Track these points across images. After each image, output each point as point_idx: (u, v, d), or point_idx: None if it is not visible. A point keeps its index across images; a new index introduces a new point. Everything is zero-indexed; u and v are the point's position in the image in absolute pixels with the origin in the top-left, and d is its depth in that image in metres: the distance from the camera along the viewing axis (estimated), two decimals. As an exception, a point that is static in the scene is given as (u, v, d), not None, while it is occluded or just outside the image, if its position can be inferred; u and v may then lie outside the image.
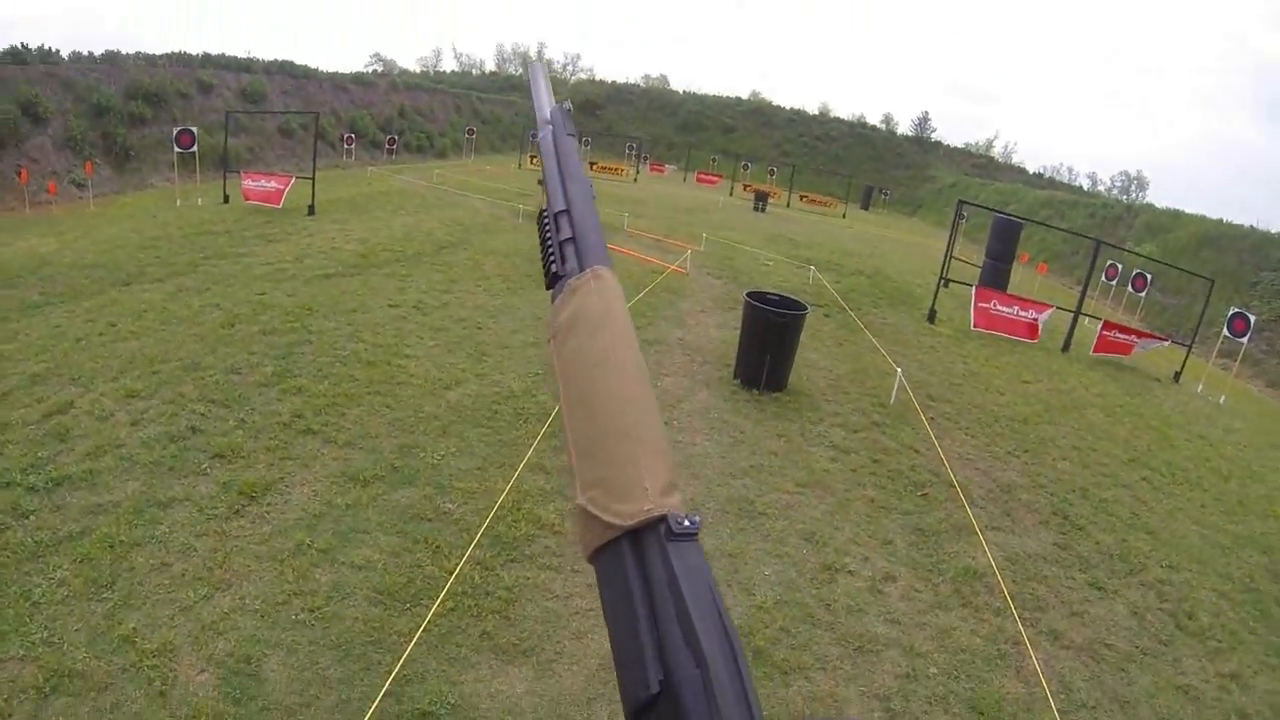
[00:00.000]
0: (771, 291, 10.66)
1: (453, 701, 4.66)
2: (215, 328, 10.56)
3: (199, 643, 4.92)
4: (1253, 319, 17.66)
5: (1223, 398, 16.35)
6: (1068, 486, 9.36)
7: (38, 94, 27.78)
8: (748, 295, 10.12)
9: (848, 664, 5.59)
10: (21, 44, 31.54)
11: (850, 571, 6.65)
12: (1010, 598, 6.72)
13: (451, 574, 5.65)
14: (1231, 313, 17.97)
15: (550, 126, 0.96)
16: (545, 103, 1.04)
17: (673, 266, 16.29)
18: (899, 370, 10.70)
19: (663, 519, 0.59)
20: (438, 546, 5.98)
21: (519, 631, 5.29)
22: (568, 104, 1.03)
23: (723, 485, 7.63)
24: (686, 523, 0.59)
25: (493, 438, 7.83)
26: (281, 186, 21.35)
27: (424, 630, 5.08)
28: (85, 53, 34.77)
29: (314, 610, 5.22)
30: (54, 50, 32.91)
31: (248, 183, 22.16)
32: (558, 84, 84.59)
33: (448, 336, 10.62)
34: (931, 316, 16.64)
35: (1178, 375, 17.18)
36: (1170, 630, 7.03)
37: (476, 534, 6.13)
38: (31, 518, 6.24)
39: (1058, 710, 5.56)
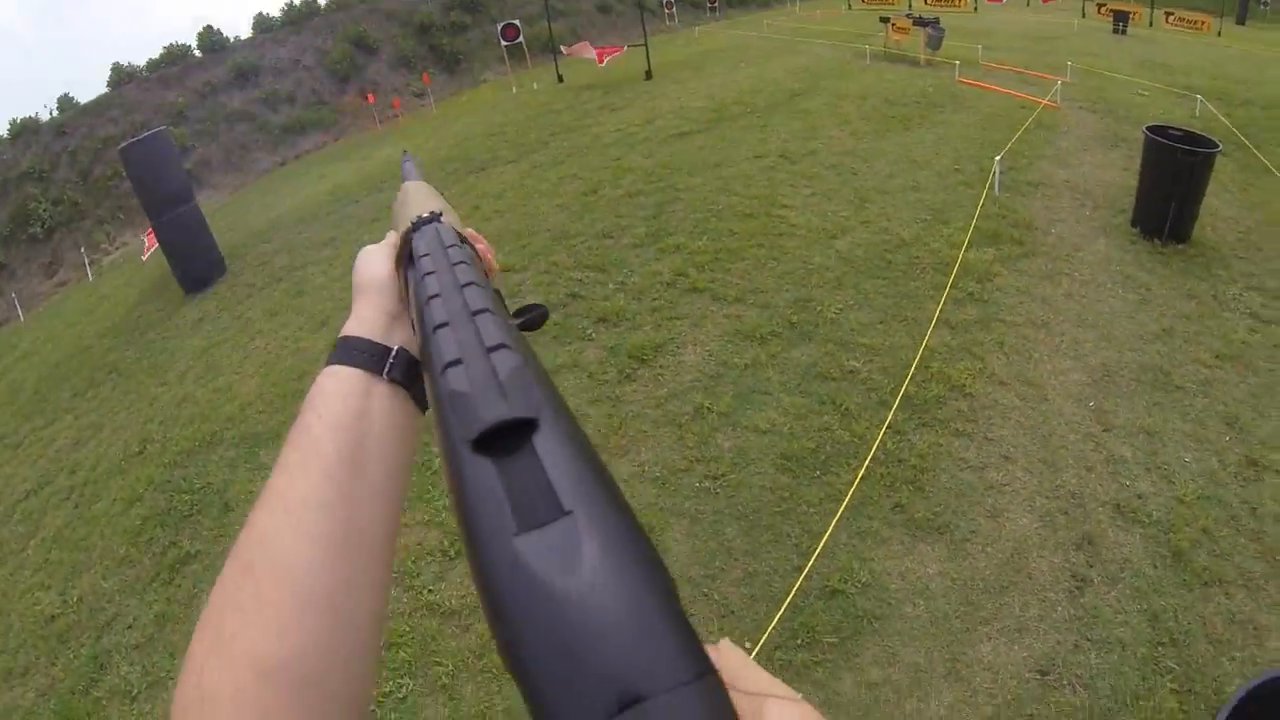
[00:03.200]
0: (1174, 126, 9.25)
1: (863, 580, 4.44)
2: (577, 196, 10.94)
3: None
4: None
5: None
6: None
7: (363, 29, 32.53)
8: (1148, 130, 8.88)
9: (1273, 586, 4.64)
10: None
11: (1279, 471, 5.55)
12: None
13: (862, 439, 5.35)
14: None
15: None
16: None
17: (1044, 101, 14.58)
18: (1328, 224, 8.83)
19: None
20: (846, 408, 5.66)
21: (932, 505, 4.93)
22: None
23: (1135, 350, 6.76)
24: None
25: (890, 289, 7.34)
26: (615, 53, 22.12)
27: (840, 504, 4.85)
28: None
29: (717, 478, 5.13)
30: None
31: (579, 47, 23.33)
32: None
33: (823, 184, 10.12)
34: (1353, 152, 13.25)
35: None
36: None
37: (885, 394, 5.77)
38: None
39: None
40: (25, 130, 27.40)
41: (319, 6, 34.43)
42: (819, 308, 6.89)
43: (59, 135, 27.18)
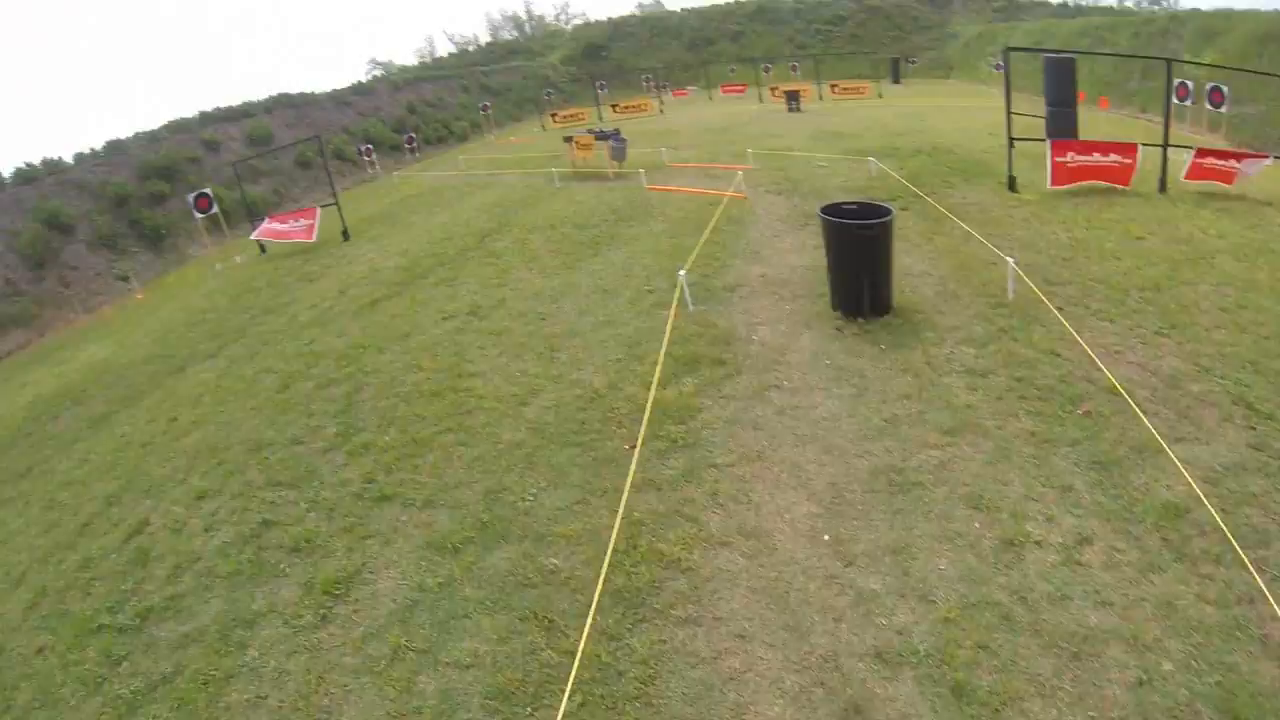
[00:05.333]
0: (846, 201, 9.18)
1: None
2: (271, 395, 9.94)
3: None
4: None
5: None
6: (1234, 363, 7.74)
7: (57, 205, 28.43)
8: (822, 211, 8.68)
9: (1067, 679, 4.30)
10: (26, 163, 31.72)
11: (1036, 542, 5.31)
12: (1230, 535, 5.27)
13: (572, 654, 4.63)
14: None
15: None
16: None
17: (729, 193, 14.89)
18: (1010, 260, 9.17)
19: None
20: (550, 620, 5.02)
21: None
22: None
23: (862, 455, 6.30)
24: None
25: (585, 456, 6.78)
26: (310, 220, 20.76)
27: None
28: (88, 150, 34.33)
29: (425, 730, 4.31)
30: (58, 158, 32.90)
31: (274, 225, 21.71)
32: (554, 36, 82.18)
33: (511, 339, 9.67)
34: (1011, 184, 14.66)
35: (1294, 193, 14.32)
36: None
37: (593, 593, 5.09)
38: (125, 663, 5.76)
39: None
40: None
41: (2, 179, 29.92)
42: (512, 498, 6.31)
43: None
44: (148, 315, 19.81)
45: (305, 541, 6.42)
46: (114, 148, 34.49)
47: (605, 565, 5.26)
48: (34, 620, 6.91)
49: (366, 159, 38.96)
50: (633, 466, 6.34)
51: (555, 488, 6.40)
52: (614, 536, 5.53)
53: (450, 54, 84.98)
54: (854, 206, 8.72)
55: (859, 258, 8.48)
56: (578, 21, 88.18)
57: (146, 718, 5.16)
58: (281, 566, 6.24)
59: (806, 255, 10.89)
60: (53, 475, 10.33)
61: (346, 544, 6.25)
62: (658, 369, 7.94)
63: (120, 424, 11.28)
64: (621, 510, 5.82)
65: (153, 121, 52.32)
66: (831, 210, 8.64)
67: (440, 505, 6.43)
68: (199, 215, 24.31)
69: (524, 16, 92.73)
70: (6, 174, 30.64)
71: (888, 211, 8.42)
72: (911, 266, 10.16)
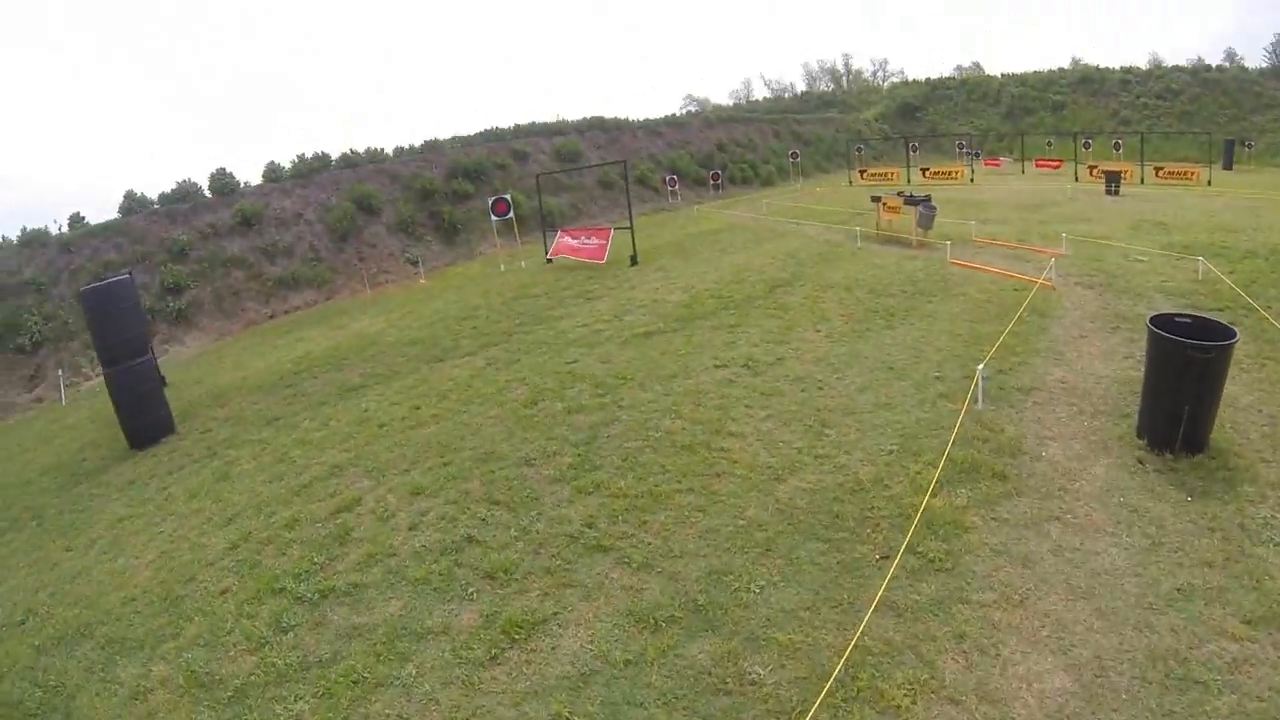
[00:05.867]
0: (1178, 312, 8.10)
1: None
2: (517, 407, 10.16)
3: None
4: None
5: None
6: None
7: (370, 189, 32.94)
8: (1152, 322, 7.67)
9: None
10: (351, 150, 36.92)
11: None
12: None
13: None
14: None
15: None
16: None
17: (1040, 280, 13.85)
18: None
19: None
20: (731, 740, 4.43)
21: None
22: None
23: (1141, 628, 5.21)
24: None
25: (829, 557, 6.14)
26: (603, 241, 21.65)
27: None
28: (407, 145, 39.19)
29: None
30: (380, 149, 37.82)
31: (567, 239, 22.86)
32: (870, 92, 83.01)
33: (781, 403, 9.21)
34: (1371, 310, 12.06)
35: None
36: None
37: None
38: (290, 634, 5.97)
39: None
40: (34, 241, 27.44)
41: (329, 161, 35.01)
42: (736, 584, 5.76)
43: (64, 251, 27.10)
44: (425, 301, 21.44)
45: (503, 571, 6.29)
46: (430, 146, 39.07)
47: (819, 701, 4.58)
48: (229, 561, 7.42)
49: (669, 188, 40.57)
50: (883, 587, 5.61)
51: (786, 585, 5.78)
52: (840, 667, 4.84)
53: (765, 98, 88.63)
54: (1188, 320, 7.67)
55: (1184, 383, 7.33)
56: (894, 79, 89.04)
57: (288, 696, 5.28)
58: (470, 589, 6.15)
59: (1114, 364, 9.69)
60: (294, 430, 11.23)
61: (543, 586, 6.04)
62: (936, 473, 7.15)
63: (368, 398, 12.06)
64: (856, 637, 5.12)
65: (469, 128, 57.98)
66: (1161, 322, 7.61)
67: (656, 572, 6.03)
68: (495, 218, 26.17)
69: (841, 70, 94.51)
70: (334, 156, 35.75)
71: (1231, 334, 7.33)
72: (1236, 397, 8.51)
